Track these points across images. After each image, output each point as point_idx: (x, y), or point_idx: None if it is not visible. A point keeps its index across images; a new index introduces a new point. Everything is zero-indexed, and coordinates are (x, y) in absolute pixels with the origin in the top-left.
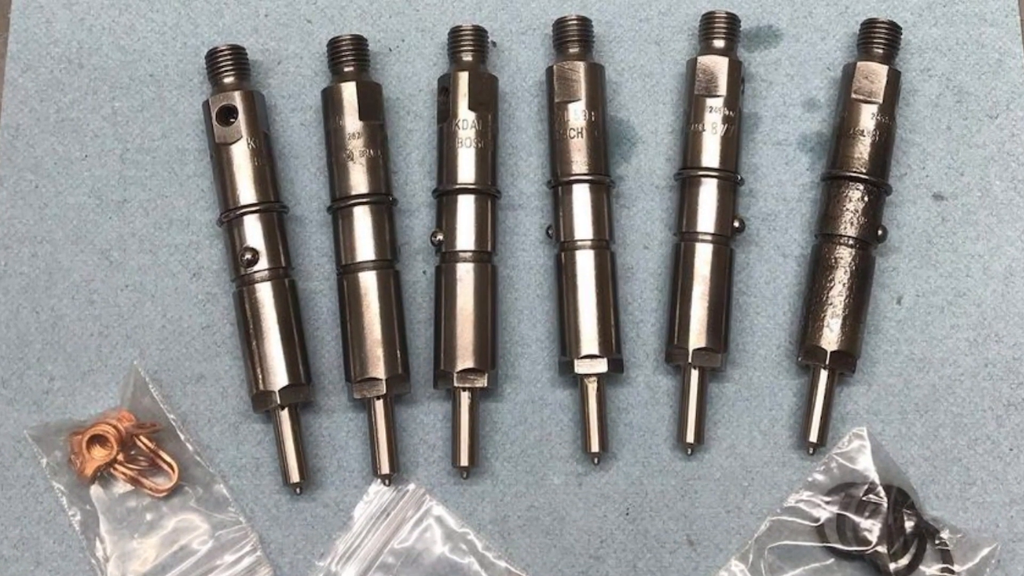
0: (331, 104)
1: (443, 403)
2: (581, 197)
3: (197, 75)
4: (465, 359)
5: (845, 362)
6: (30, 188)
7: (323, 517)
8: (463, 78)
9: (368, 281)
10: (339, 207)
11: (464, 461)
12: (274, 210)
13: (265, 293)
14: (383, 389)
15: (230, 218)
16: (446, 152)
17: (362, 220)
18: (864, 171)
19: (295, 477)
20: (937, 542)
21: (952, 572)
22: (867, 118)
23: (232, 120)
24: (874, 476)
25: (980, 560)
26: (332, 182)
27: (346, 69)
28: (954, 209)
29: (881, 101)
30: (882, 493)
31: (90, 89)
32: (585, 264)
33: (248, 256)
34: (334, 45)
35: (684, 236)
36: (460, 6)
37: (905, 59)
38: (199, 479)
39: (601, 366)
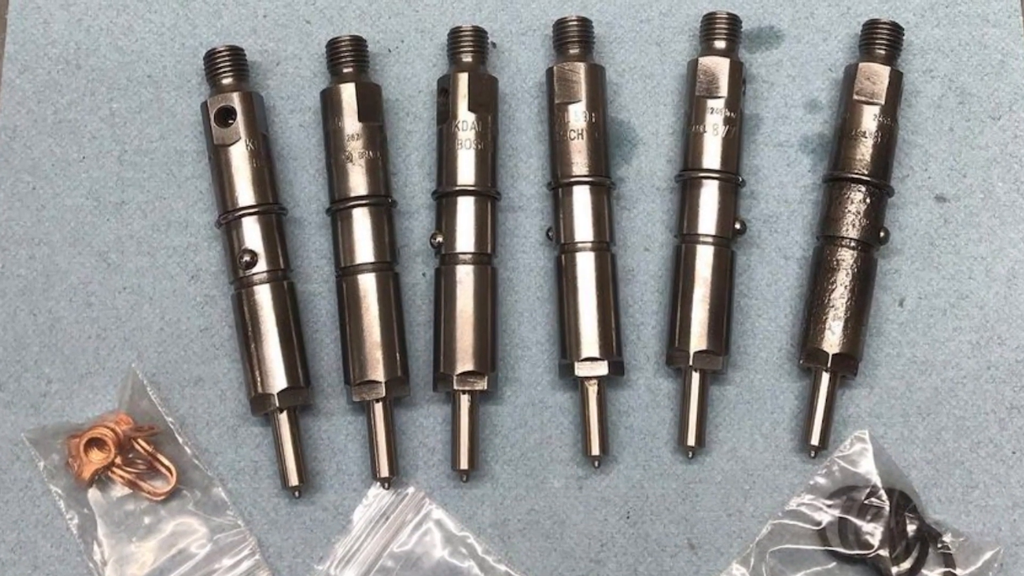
0: (330, 105)
1: (443, 406)
2: (581, 199)
3: (195, 76)
4: (465, 362)
5: (847, 365)
6: (27, 190)
7: (322, 521)
8: (463, 79)
9: (367, 283)
10: (338, 209)
11: (464, 464)
12: (273, 212)
13: (264, 295)
14: (382, 392)
15: (228, 220)
16: (446, 153)
17: (361, 222)
18: (866, 173)
19: (294, 480)
20: (939, 546)
21: None
22: (869, 119)
23: (231, 121)
24: (876, 479)
25: (983, 564)
26: (331, 184)
27: (345, 70)
28: (956, 211)
29: (883, 102)
30: (884, 496)
31: (88, 90)
32: (585, 266)
33: (247, 258)
34: (333, 46)
35: (685, 238)
36: (460, 7)
37: (907, 60)
38: (197, 482)
39: (601, 369)
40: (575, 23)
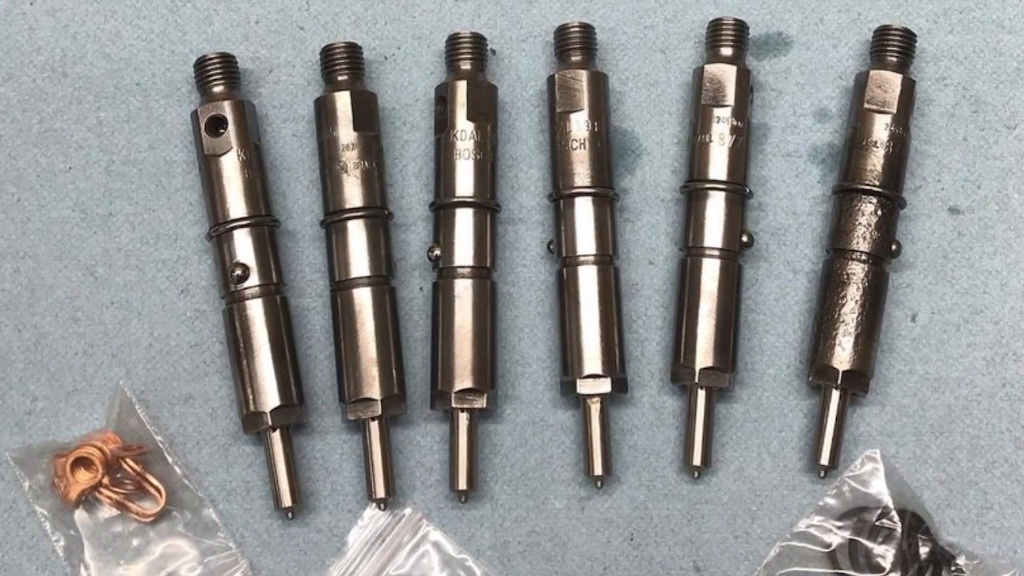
0: (324, 114)
1: (441, 424)
2: (584, 211)
3: (185, 84)
4: (463, 379)
5: (858, 382)
6: (12, 201)
7: (316, 543)
8: (461, 87)
9: (363, 298)
10: (333, 221)
11: (462, 484)
12: (265, 224)
13: (256, 310)
14: (378, 410)
15: (219, 232)
16: (444, 164)
17: (356, 235)
18: (877, 184)
19: (287, 501)
20: (953, 568)
21: None
22: (880, 129)
23: (221, 131)
24: (888, 500)
25: None
26: (325, 195)
27: (340, 78)
28: (971, 223)
29: (895, 111)
30: (896, 518)
31: (74, 99)
32: (588, 280)
33: (238, 272)
34: (327, 53)
35: (691, 251)
36: (458, 13)
37: (920, 67)
38: (187, 503)
39: (604, 386)
40: (577, 29)
